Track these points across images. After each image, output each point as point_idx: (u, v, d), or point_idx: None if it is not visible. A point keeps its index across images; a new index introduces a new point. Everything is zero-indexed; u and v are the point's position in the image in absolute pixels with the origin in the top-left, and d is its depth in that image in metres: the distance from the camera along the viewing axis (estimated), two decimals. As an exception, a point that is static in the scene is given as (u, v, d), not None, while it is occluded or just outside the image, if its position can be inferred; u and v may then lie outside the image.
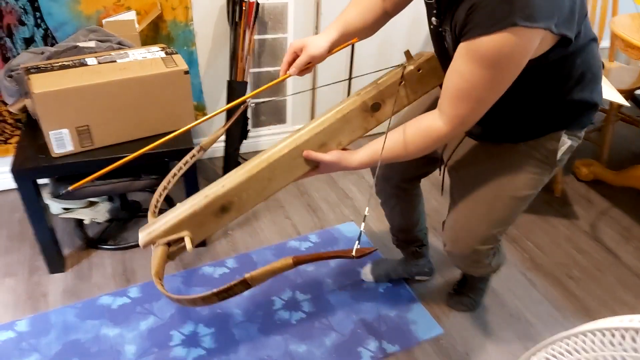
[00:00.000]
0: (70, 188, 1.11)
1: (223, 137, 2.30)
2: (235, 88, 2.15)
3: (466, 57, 0.95)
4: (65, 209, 1.85)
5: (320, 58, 1.16)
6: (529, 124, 1.18)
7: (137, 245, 1.94)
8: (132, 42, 1.83)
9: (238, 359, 1.53)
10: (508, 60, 0.92)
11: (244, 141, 2.32)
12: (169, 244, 1.07)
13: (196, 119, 2.22)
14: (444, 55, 1.13)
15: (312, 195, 2.29)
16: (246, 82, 2.16)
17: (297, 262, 0.90)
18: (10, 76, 1.68)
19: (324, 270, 1.87)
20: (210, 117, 1.19)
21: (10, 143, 2.08)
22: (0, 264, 1.84)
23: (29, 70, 1.53)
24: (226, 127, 1.35)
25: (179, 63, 1.64)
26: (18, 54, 1.87)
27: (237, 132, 2.24)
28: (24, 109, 1.73)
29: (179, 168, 1.25)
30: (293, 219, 2.14)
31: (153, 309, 1.68)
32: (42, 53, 1.70)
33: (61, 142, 1.55)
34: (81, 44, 1.72)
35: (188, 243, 1.07)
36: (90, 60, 1.60)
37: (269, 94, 2.45)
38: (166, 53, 1.70)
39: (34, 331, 1.59)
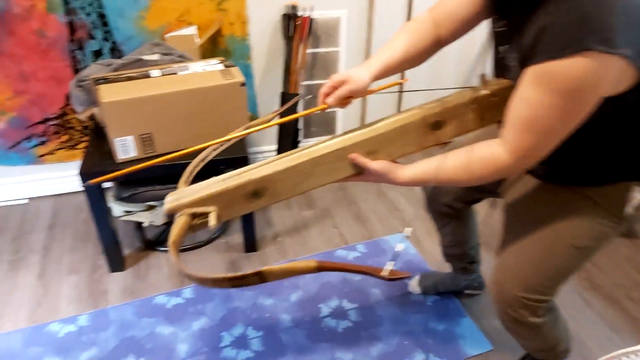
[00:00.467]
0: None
1: (274, 147, 2.36)
2: (287, 100, 2.22)
3: (534, 82, 0.88)
4: (126, 211, 1.94)
5: (362, 92, 1.09)
6: (597, 167, 1.07)
7: (192, 248, 2.02)
8: (192, 55, 1.93)
9: (285, 363, 1.56)
10: (580, 89, 0.84)
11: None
12: (193, 215, 1.03)
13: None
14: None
15: (360, 206, 2.31)
16: (298, 94, 2.22)
17: (321, 268, 0.83)
18: (80, 86, 1.79)
19: (371, 280, 1.88)
20: (268, 126, 1.17)
21: (77, 148, 2.22)
22: (65, 262, 1.96)
23: (97, 81, 1.63)
24: (279, 112, 1.32)
25: (236, 75, 1.71)
26: (87, 65, 1.99)
27: (288, 142, 2.30)
28: (92, 117, 1.84)
29: (221, 143, 1.21)
30: (341, 229, 2.17)
31: (205, 310, 1.74)
32: (110, 65, 1.81)
33: (126, 148, 1.64)
34: (145, 57, 1.82)
35: (213, 219, 1.02)
36: (154, 72, 1.69)
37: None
38: (224, 66, 1.77)
39: (93, 326, 1.68)
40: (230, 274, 0.81)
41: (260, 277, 0.82)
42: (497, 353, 1.61)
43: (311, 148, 1.08)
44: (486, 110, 1.11)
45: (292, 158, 1.06)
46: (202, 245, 2.04)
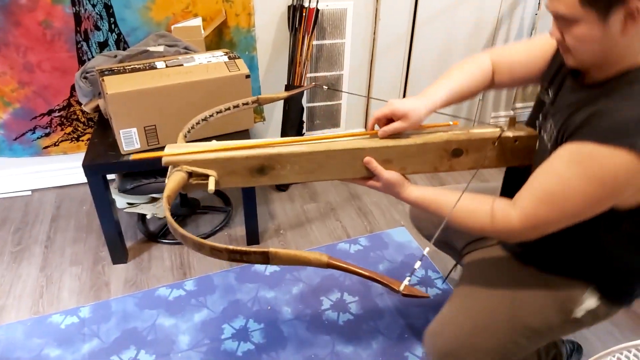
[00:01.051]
0: (132, 157, 1.07)
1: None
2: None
3: (570, 160, 0.86)
4: (129, 203, 1.95)
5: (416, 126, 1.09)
6: (567, 259, 1.08)
7: (194, 241, 2.02)
8: (197, 47, 1.92)
9: (286, 356, 1.56)
10: (613, 183, 0.83)
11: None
12: (190, 174, 1.01)
13: (254, 122, 2.30)
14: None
15: (363, 199, 2.31)
16: (304, 86, 2.21)
17: (330, 265, 0.79)
18: (86, 78, 1.80)
19: (373, 274, 1.88)
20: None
21: (82, 140, 2.23)
22: (67, 253, 1.97)
23: (103, 73, 1.64)
24: (288, 95, 1.31)
25: (241, 67, 1.71)
26: (93, 57, 2.00)
27: (292, 134, 2.30)
28: (97, 109, 1.84)
29: (227, 107, 1.19)
30: (343, 222, 2.17)
31: (207, 302, 1.75)
32: (115, 56, 1.81)
33: (130, 140, 1.64)
34: (151, 49, 1.82)
35: (211, 184, 0.99)
36: (159, 64, 1.69)
37: (324, 98, 2.49)
38: (229, 57, 1.77)
39: (95, 317, 1.69)
40: (231, 247, 0.77)
41: (264, 257, 0.78)
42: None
43: (329, 140, 1.07)
44: (507, 153, 1.12)
45: (310, 145, 1.05)
46: (205, 237, 2.04)
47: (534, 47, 1.12)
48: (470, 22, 2.49)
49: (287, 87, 2.22)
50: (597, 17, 0.82)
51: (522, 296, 1.11)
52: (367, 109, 2.61)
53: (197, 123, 1.17)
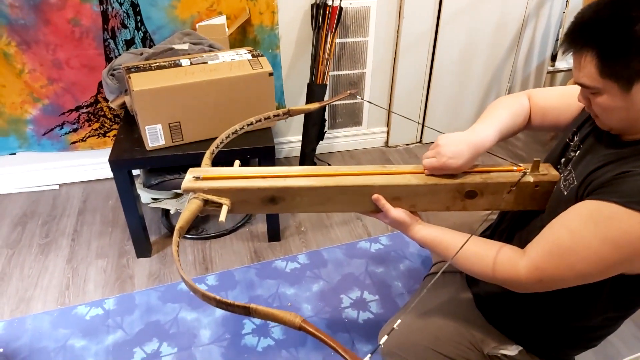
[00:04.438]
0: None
1: (299, 138, 2.37)
2: (314, 90, 2.21)
3: (589, 218, 0.83)
4: (154, 199, 1.98)
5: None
6: (515, 321, 1.12)
7: (217, 236, 2.05)
8: (221, 44, 1.94)
9: (305, 352, 1.58)
10: (628, 248, 0.80)
11: (320, 142, 2.38)
12: (206, 201, 1.04)
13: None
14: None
15: (384, 199, 2.30)
16: (326, 85, 2.22)
17: (302, 327, 0.82)
18: (113, 75, 1.83)
19: (393, 273, 1.88)
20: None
21: (108, 136, 2.27)
22: (93, 246, 2.01)
23: (129, 70, 1.66)
24: (322, 105, 1.31)
25: (264, 65, 1.72)
26: (120, 54, 2.03)
27: (314, 132, 2.30)
28: (123, 105, 1.88)
29: (258, 119, 1.20)
30: (364, 220, 2.16)
31: (228, 297, 1.77)
32: (141, 54, 1.84)
33: (155, 136, 1.67)
34: (176, 46, 1.85)
35: (223, 214, 1.02)
36: (184, 62, 1.71)
37: (346, 97, 2.49)
38: (252, 55, 1.78)
39: (119, 310, 1.72)
40: (219, 297, 0.83)
41: (245, 311, 0.83)
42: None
43: (340, 176, 1.08)
44: (525, 197, 1.09)
45: (321, 179, 1.07)
46: (227, 234, 2.07)
47: (569, 93, 1.09)
48: (494, 20, 2.46)
49: (309, 86, 2.23)
50: (618, 88, 0.80)
51: (454, 323, 1.17)
52: (389, 107, 2.60)
53: (227, 137, 1.20)
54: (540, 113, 1.14)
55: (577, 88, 0.90)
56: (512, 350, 1.12)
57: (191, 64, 1.70)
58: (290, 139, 2.55)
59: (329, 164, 2.51)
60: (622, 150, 0.87)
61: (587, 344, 1.12)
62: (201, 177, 1.06)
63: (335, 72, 2.40)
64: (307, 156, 2.35)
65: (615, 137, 0.90)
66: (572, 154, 1.01)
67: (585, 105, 0.90)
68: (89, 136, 2.25)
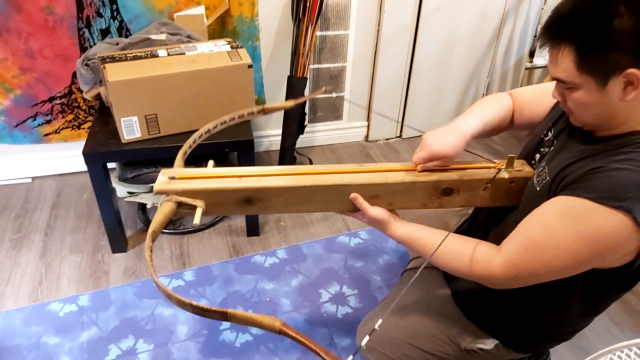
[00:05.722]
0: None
1: (279, 132, 2.35)
2: (295, 83, 2.19)
3: (562, 213, 0.84)
4: (129, 192, 1.94)
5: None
6: (491, 315, 1.13)
7: (194, 231, 2.02)
8: (200, 35, 1.91)
9: (283, 348, 1.56)
10: (602, 243, 0.81)
11: (300, 136, 2.36)
12: (179, 203, 1.01)
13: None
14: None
15: (364, 193, 2.30)
16: (306, 78, 2.20)
17: (282, 331, 0.81)
18: (87, 65, 1.78)
19: (372, 267, 1.88)
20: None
21: (82, 128, 2.22)
22: (67, 241, 1.96)
23: (104, 60, 1.62)
24: (297, 102, 1.28)
25: (243, 57, 1.70)
26: (95, 44, 1.98)
27: (294, 126, 2.28)
28: (98, 96, 1.84)
29: (232, 118, 1.18)
30: (344, 215, 2.15)
31: (206, 292, 1.74)
32: (117, 44, 1.80)
33: (131, 128, 1.63)
34: (153, 37, 1.81)
35: (197, 217, 1.01)
36: (161, 52, 1.68)
37: (327, 90, 2.48)
38: (232, 47, 1.75)
39: (94, 306, 1.69)
40: (195, 303, 0.81)
41: (223, 316, 0.83)
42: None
43: (317, 174, 1.07)
44: (500, 193, 1.10)
45: (297, 179, 1.05)
46: (205, 229, 2.04)
47: (544, 89, 1.11)
48: (474, 15, 2.47)
49: (289, 79, 2.21)
50: (595, 83, 0.80)
51: (434, 312, 1.18)
52: (370, 101, 2.59)
53: (200, 136, 1.17)
54: (519, 109, 1.15)
55: (553, 84, 0.91)
56: (489, 344, 1.13)
57: (168, 54, 1.67)
58: (270, 132, 2.52)
59: (309, 158, 2.50)
60: (595, 146, 0.88)
61: (562, 337, 1.14)
62: (176, 177, 1.03)
63: (316, 66, 2.38)
64: (287, 150, 2.33)
65: (589, 133, 0.91)
66: (546, 150, 1.02)
67: (560, 101, 0.91)
68: (63, 128, 2.20)
